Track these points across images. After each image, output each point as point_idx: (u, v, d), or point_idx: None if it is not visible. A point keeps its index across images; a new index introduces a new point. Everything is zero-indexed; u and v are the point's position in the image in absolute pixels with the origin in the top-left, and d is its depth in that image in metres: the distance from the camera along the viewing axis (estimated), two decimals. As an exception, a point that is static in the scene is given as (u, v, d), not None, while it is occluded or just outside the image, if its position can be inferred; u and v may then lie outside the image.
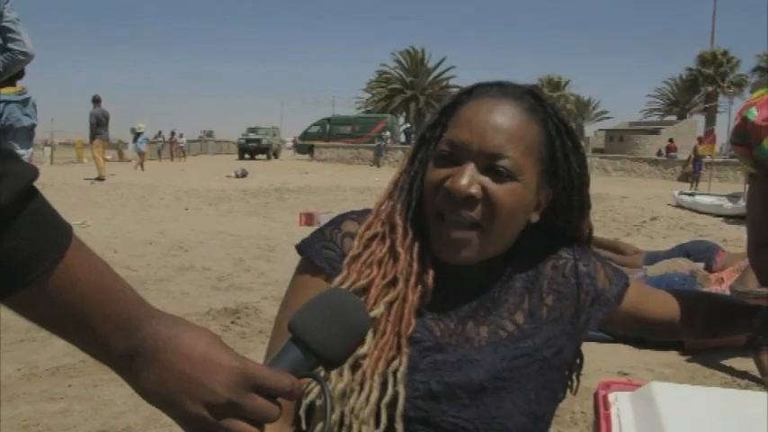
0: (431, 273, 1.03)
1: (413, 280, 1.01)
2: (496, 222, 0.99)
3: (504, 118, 1.00)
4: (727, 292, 2.42)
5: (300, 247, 1.10)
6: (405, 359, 0.96)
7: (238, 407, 0.64)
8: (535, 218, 1.07)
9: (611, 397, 1.29)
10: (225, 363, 0.65)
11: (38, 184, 0.60)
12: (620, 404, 1.26)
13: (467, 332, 1.04)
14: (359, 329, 0.75)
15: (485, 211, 0.99)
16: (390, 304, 1.00)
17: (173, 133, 33.12)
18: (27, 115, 4.51)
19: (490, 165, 0.98)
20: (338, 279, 1.02)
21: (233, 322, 4.19)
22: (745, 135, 1.37)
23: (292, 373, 0.69)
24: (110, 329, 0.63)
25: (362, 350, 0.95)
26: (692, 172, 21.40)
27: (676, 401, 1.18)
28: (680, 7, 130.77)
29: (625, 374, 3.07)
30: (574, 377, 1.20)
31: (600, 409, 1.26)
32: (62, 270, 0.60)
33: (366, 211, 1.12)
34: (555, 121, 1.05)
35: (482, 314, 1.05)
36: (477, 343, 1.03)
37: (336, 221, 1.11)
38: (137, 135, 22.58)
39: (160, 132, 33.57)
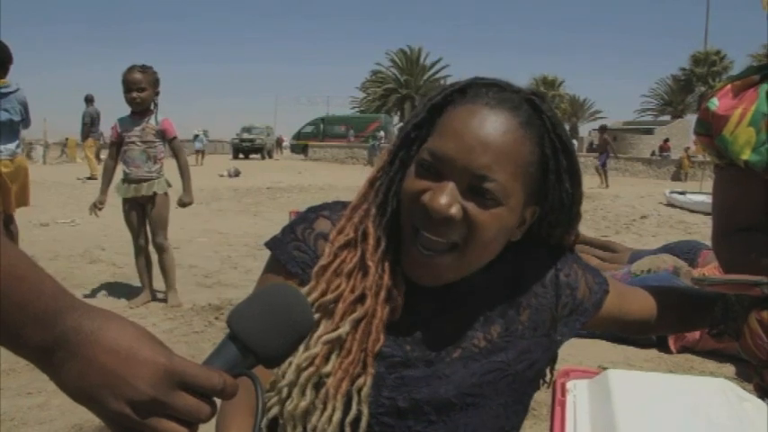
0: (402, 288, 0.98)
1: (382, 295, 0.96)
2: (475, 246, 0.93)
3: (495, 133, 0.91)
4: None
5: (271, 246, 1.05)
6: (369, 379, 0.93)
7: (164, 405, 0.61)
8: (517, 236, 1.01)
9: (570, 384, 1.29)
10: (149, 358, 0.62)
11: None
12: (578, 391, 1.26)
13: (438, 346, 0.99)
14: (300, 327, 0.71)
15: (463, 232, 0.92)
16: (357, 322, 0.95)
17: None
18: (5, 110, 4.53)
19: (474, 186, 0.90)
20: (306, 289, 0.97)
21: (216, 318, 4.19)
22: (707, 125, 1.38)
23: (228, 371, 0.66)
24: (25, 321, 0.61)
25: (327, 368, 0.93)
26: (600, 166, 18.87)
27: (631, 388, 1.19)
28: (674, 7, 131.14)
29: (604, 369, 3.07)
30: (547, 371, 1.17)
31: (557, 395, 1.27)
32: None
33: (340, 206, 1.06)
34: (552, 137, 0.96)
35: (455, 327, 1.01)
36: (448, 358, 0.99)
37: (308, 219, 1.05)
38: (195, 136, 27.71)
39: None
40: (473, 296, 1.03)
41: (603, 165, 18.73)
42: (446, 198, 0.89)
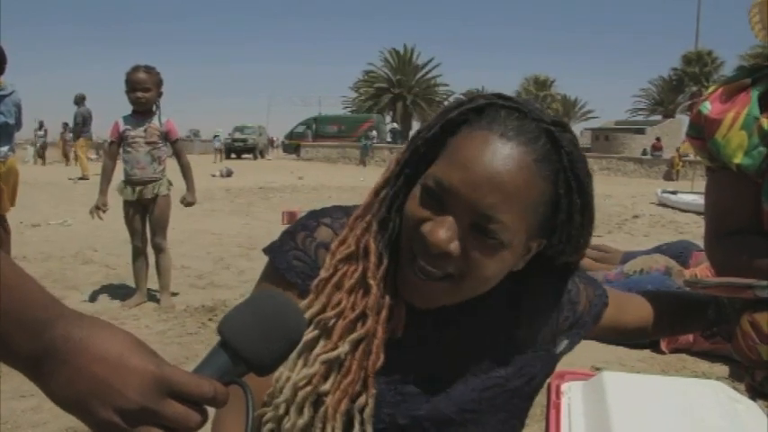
0: (403, 307, 0.95)
1: (383, 315, 0.93)
2: (471, 280, 0.89)
3: (506, 170, 0.85)
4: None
5: (269, 253, 1.02)
6: (371, 400, 0.91)
7: (154, 413, 0.61)
8: (520, 266, 0.96)
9: (564, 387, 1.30)
10: (139, 366, 0.61)
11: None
12: (572, 394, 1.27)
13: (437, 363, 0.98)
14: (292, 335, 0.70)
15: (460, 266, 0.88)
16: (357, 342, 0.92)
17: (65, 126, 23.04)
18: (1, 113, 4.50)
19: (478, 224, 0.86)
20: (305, 303, 0.95)
21: (210, 319, 4.18)
22: (700, 128, 1.39)
23: (218, 379, 0.65)
24: (13, 330, 0.61)
25: (325, 387, 0.91)
26: None
27: (625, 390, 1.20)
28: (666, 7, 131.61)
29: (597, 369, 3.08)
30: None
31: (552, 398, 1.28)
32: None
33: (342, 212, 1.03)
34: (568, 175, 0.89)
35: (454, 343, 0.99)
36: (448, 374, 0.98)
37: (309, 227, 1.01)
38: (215, 136, 31.26)
39: (41, 125, 24.35)
40: (474, 312, 1.00)
41: None
42: (446, 233, 0.86)
